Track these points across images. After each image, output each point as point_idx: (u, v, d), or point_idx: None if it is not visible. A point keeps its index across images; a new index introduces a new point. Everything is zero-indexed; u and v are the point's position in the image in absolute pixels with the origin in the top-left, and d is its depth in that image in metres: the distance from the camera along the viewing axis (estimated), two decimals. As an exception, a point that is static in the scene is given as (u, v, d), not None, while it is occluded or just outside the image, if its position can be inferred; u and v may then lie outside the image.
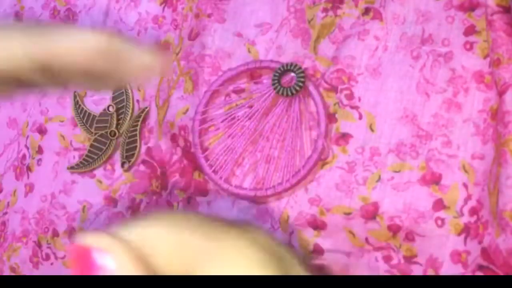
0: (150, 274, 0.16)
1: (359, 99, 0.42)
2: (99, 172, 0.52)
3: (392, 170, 0.40)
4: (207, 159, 0.45)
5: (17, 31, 0.22)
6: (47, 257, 0.52)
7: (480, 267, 0.36)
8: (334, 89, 0.43)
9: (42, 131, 0.54)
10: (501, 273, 0.34)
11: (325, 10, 0.45)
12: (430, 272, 0.38)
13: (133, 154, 0.50)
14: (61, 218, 0.52)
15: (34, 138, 0.54)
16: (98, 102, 0.54)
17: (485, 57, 0.39)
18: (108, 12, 0.55)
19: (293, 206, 0.42)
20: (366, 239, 0.40)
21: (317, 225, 0.41)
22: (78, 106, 0.53)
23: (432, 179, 0.39)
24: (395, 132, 0.40)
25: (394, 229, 0.39)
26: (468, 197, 0.38)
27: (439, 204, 0.38)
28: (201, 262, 0.18)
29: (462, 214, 0.38)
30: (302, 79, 0.42)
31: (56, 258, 0.52)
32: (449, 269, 0.37)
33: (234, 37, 0.47)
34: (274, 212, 0.43)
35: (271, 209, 0.43)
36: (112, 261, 0.16)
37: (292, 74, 0.43)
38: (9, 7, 0.62)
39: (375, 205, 0.40)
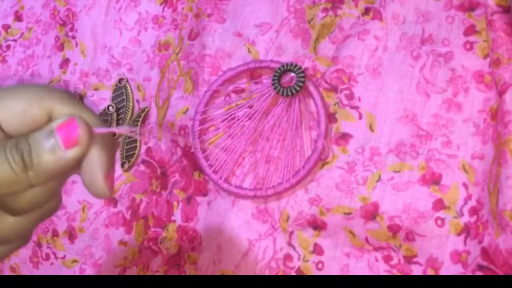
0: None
1: (359, 99, 0.42)
2: (99, 172, 0.51)
3: (392, 170, 0.40)
4: (207, 159, 0.46)
5: None
6: (47, 257, 0.52)
7: (480, 267, 0.36)
8: (334, 89, 0.43)
9: (42, 131, 0.54)
10: (501, 273, 0.34)
11: (325, 10, 0.45)
12: (430, 272, 0.38)
13: (133, 154, 0.50)
14: (61, 218, 0.52)
15: (34, 138, 0.54)
16: (98, 102, 0.54)
17: (485, 57, 0.39)
18: (108, 12, 0.55)
19: (293, 206, 0.42)
20: (366, 239, 0.40)
21: (317, 225, 0.41)
22: (78, 106, 0.53)
23: (432, 179, 0.39)
24: (395, 132, 0.40)
25: (394, 229, 0.39)
26: (468, 197, 0.38)
27: (439, 204, 0.38)
28: None
29: (462, 214, 0.38)
30: (302, 79, 0.42)
31: (56, 258, 0.52)
32: (449, 269, 0.37)
33: (234, 37, 0.47)
34: (274, 212, 0.43)
35: (271, 209, 0.43)
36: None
37: (292, 74, 0.43)
38: (9, 7, 0.62)
39: (375, 205, 0.40)
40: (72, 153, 0.27)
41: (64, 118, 0.27)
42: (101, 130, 0.29)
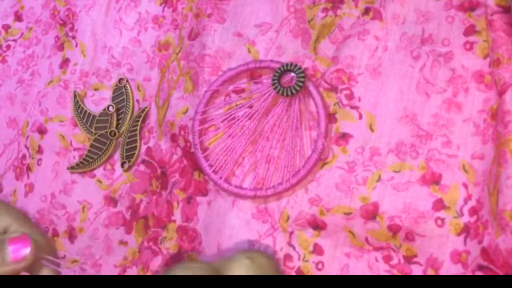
0: None
1: (359, 99, 0.42)
2: (99, 172, 0.52)
3: (392, 170, 0.40)
4: (207, 159, 0.46)
5: None
6: (47, 257, 0.52)
7: (480, 267, 0.36)
8: (334, 89, 0.43)
9: (42, 131, 0.54)
10: (501, 273, 0.34)
11: (325, 10, 0.45)
12: (430, 272, 0.38)
13: (133, 154, 0.50)
14: (61, 218, 0.52)
15: (34, 138, 0.54)
16: (98, 102, 0.54)
17: (485, 57, 0.39)
18: (108, 12, 0.55)
19: (293, 206, 0.42)
20: (366, 239, 0.40)
21: (317, 225, 0.41)
22: (78, 106, 0.53)
23: (432, 179, 0.39)
24: (395, 132, 0.40)
25: (394, 229, 0.39)
26: (468, 197, 0.38)
27: (439, 204, 0.38)
28: None
29: (462, 214, 0.38)
30: (302, 79, 0.42)
31: (56, 258, 0.51)
32: (449, 269, 0.37)
33: (234, 37, 0.47)
34: (274, 212, 0.43)
35: (271, 209, 0.43)
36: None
37: (292, 74, 0.43)
38: (9, 7, 0.62)
39: (375, 205, 0.40)
40: (15, 266, 0.28)
41: (18, 234, 0.29)
42: (50, 258, 0.31)
